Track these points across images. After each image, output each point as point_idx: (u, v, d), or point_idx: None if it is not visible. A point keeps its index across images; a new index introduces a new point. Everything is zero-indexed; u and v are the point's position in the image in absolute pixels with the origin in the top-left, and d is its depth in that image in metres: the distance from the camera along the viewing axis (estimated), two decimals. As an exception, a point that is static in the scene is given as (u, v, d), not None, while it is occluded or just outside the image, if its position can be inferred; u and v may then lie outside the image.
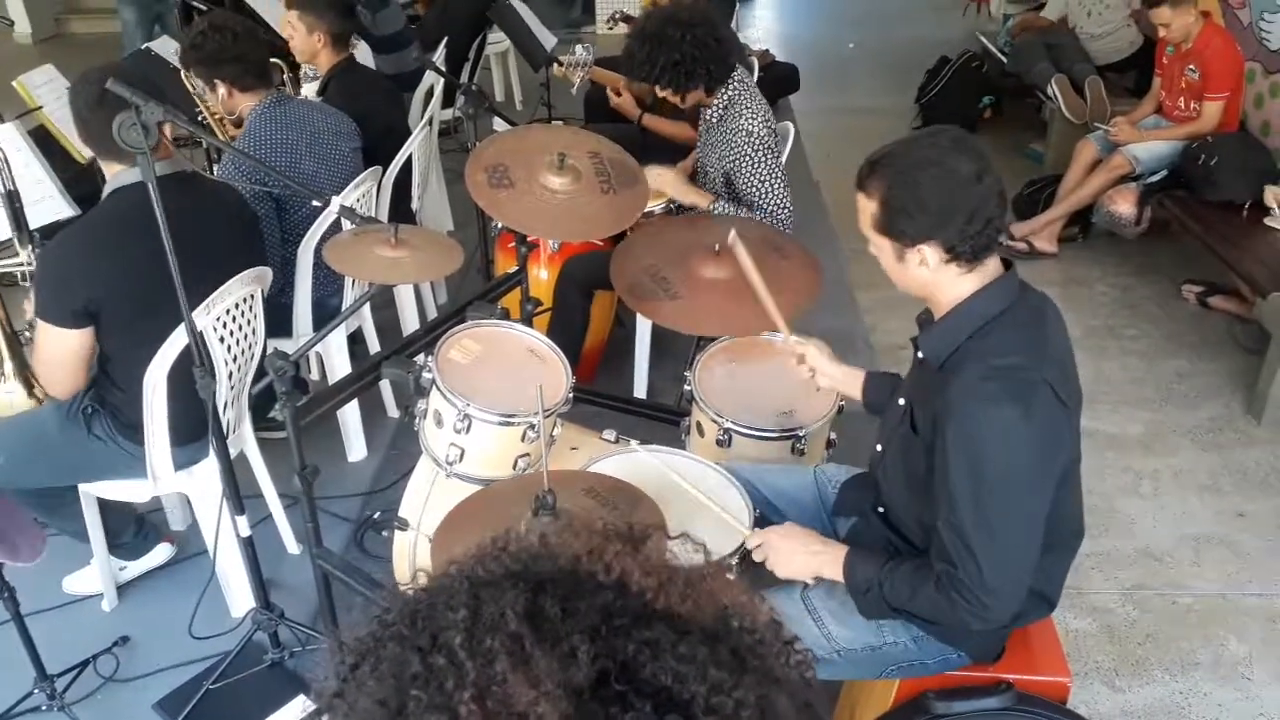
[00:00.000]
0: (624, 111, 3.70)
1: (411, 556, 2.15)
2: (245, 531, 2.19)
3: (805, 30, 8.51)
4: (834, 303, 3.77)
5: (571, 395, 2.09)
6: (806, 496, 1.96)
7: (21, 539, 2.47)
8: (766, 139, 2.78)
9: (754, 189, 2.77)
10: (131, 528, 2.54)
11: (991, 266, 1.53)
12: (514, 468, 2.05)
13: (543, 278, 3.13)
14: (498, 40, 5.65)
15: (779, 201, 2.78)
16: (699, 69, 2.71)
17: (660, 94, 2.85)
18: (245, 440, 2.49)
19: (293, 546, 2.67)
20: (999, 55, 5.62)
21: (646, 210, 2.86)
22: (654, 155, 3.20)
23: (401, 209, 3.35)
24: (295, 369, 1.95)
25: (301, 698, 2.18)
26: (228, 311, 2.20)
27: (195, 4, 4.54)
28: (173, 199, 1.76)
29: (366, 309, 3.12)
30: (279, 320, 2.77)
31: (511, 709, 0.52)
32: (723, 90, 2.82)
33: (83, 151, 2.51)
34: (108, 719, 2.22)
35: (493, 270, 3.36)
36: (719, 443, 2.09)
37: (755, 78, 4.10)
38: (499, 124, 3.87)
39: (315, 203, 2.27)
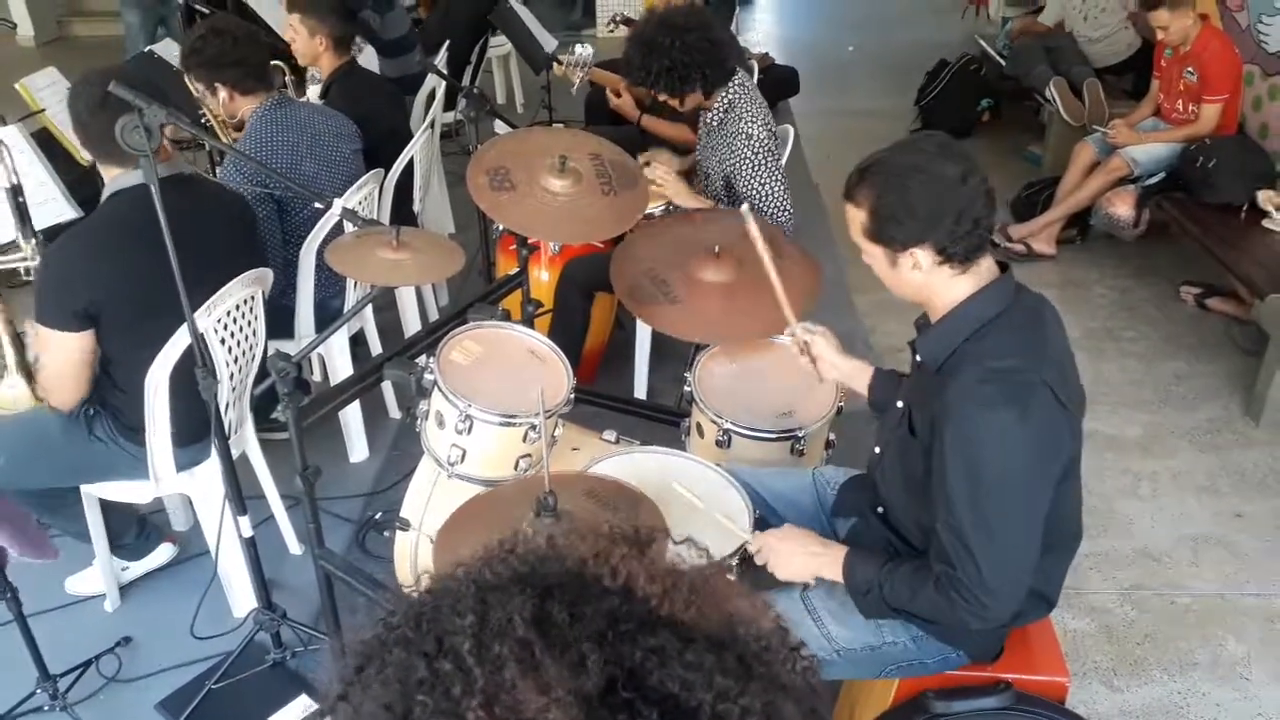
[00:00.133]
0: (623, 113, 3.71)
1: (413, 557, 2.16)
2: (247, 532, 2.20)
3: (805, 33, 8.53)
4: (833, 305, 3.78)
5: (572, 396, 2.10)
6: (805, 498, 1.97)
7: (40, 538, 2.49)
8: (767, 142, 2.79)
9: (754, 192, 2.78)
10: (133, 528, 2.54)
11: (986, 269, 1.54)
12: (515, 468, 2.06)
13: (544, 279, 3.14)
14: (499, 43, 5.67)
15: (779, 204, 2.79)
16: (694, 73, 2.72)
17: (660, 98, 2.87)
18: (247, 441, 2.50)
19: (295, 547, 2.67)
20: (998, 58, 5.64)
21: (647, 212, 2.88)
22: (653, 151, 3.22)
23: (403, 211, 3.36)
24: (297, 370, 1.95)
25: (304, 698, 2.19)
26: (229, 313, 2.21)
27: (198, 6, 4.56)
28: (173, 201, 1.77)
29: (368, 311, 3.13)
30: (281, 322, 2.78)
31: (520, 716, 0.52)
32: (722, 93, 2.83)
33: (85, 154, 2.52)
34: (110, 719, 2.23)
35: (494, 272, 3.38)
36: (718, 443, 2.10)
37: (755, 81, 4.12)
38: (500, 126, 3.88)
39: (317, 205, 2.28)
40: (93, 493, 2.32)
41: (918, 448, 1.57)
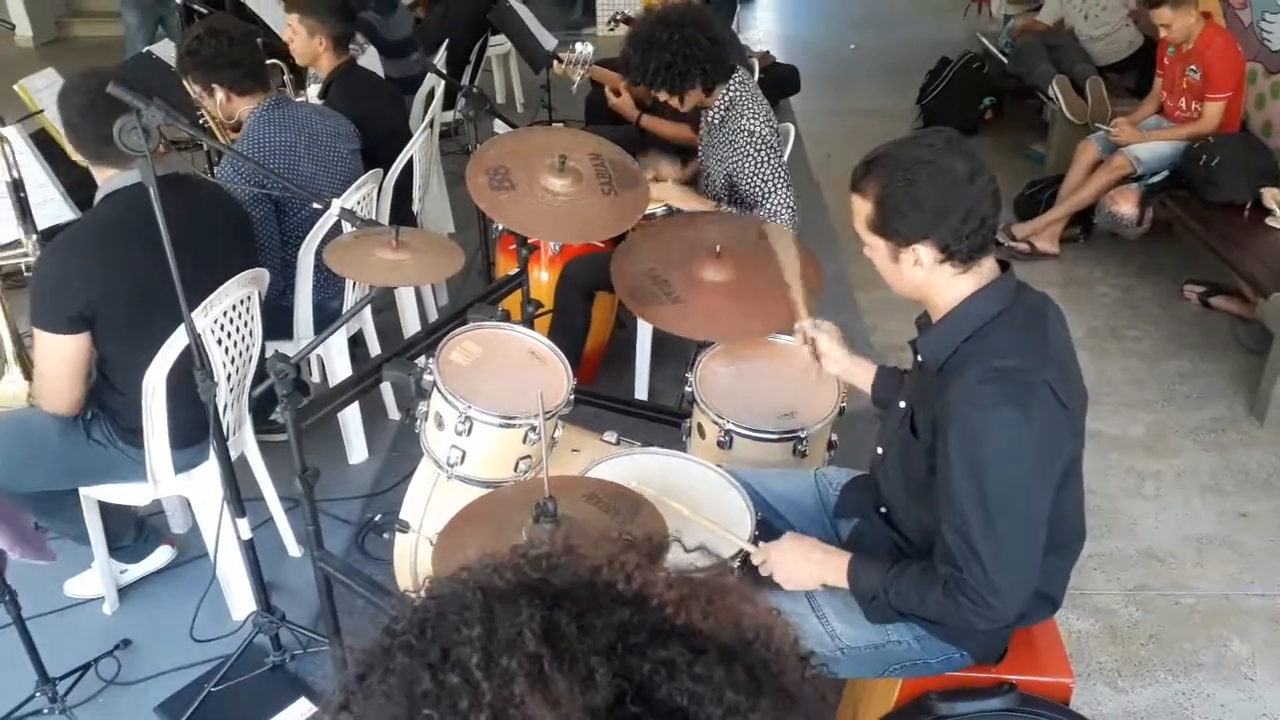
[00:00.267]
0: (622, 112, 3.70)
1: (413, 559, 2.15)
2: (246, 534, 2.19)
3: (806, 32, 8.51)
4: (834, 303, 3.76)
5: (573, 397, 2.08)
6: (807, 500, 1.96)
7: (37, 538, 2.48)
8: (769, 138, 2.78)
9: (757, 189, 2.77)
10: (132, 531, 2.53)
11: (988, 268, 1.53)
12: (515, 470, 2.04)
13: (544, 280, 3.13)
14: (499, 42, 5.66)
15: (782, 201, 2.78)
16: (692, 69, 2.71)
17: (661, 98, 2.85)
18: (246, 443, 2.49)
19: (294, 549, 2.66)
20: (1000, 56, 5.62)
21: (648, 212, 2.86)
22: (654, 155, 3.20)
23: (403, 211, 3.35)
24: (296, 371, 1.94)
25: (303, 701, 2.18)
26: (225, 314, 2.20)
27: (196, 7, 4.55)
28: (168, 201, 1.76)
29: (367, 311, 3.12)
30: (280, 323, 2.77)
31: None
32: (723, 91, 2.82)
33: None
34: (109, 722, 2.22)
35: (494, 272, 3.36)
36: (720, 444, 2.08)
37: (756, 79, 4.11)
38: (499, 126, 3.87)
39: (315, 205, 2.27)
40: (91, 495, 2.31)
41: (919, 448, 1.56)
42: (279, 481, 2.57)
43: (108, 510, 2.38)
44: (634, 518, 1.59)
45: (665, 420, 2.57)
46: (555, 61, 3.99)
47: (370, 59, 3.95)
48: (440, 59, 4.26)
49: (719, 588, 0.61)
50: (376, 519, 2.76)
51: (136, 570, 2.58)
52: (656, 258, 2.37)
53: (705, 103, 2.85)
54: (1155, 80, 4.27)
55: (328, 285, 2.85)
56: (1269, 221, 3.60)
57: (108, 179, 2.10)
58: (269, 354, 2.21)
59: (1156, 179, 4.01)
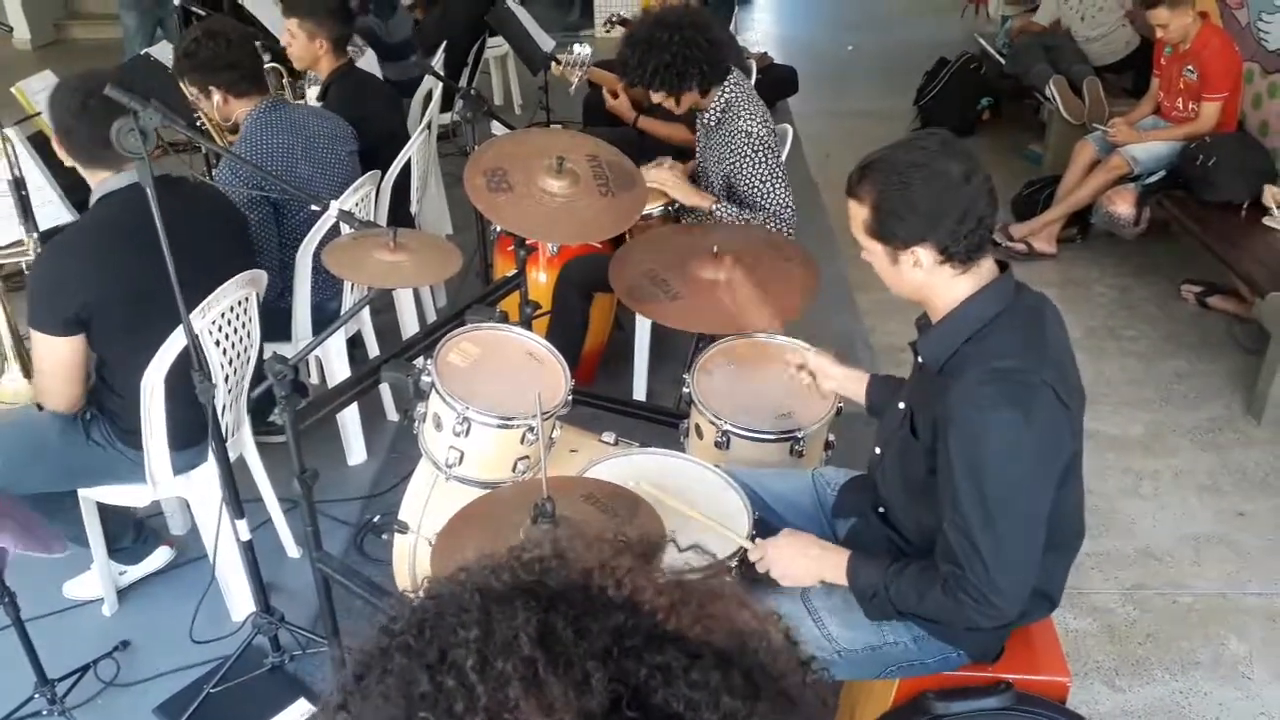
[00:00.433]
0: (620, 114, 3.71)
1: (411, 560, 2.15)
2: (245, 535, 2.19)
3: (804, 33, 8.52)
4: (833, 304, 3.78)
5: (570, 398, 2.09)
6: (805, 500, 1.96)
7: (44, 533, 2.48)
8: (766, 139, 2.79)
9: (755, 190, 2.77)
10: (131, 532, 2.54)
11: (986, 268, 1.53)
12: (513, 470, 2.05)
13: (542, 281, 3.14)
14: (496, 44, 5.66)
15: (781, 202, 2.78)
16: (691, 69, 2.71)
17: (656, 99, 2.86)
18: (244, 444, 2.49)
19: (293, 550, 2.67)
20: (997, 57, 5.63)
21: (645, 212, 2.87)
22: (651, 158, 3.21)
23: (401, 213, 3.36)
24: (295, 373, 1.95)
25: (302, 701, 2.19)
26: (223, 315, 2.20)
27: (194, 9, 4.55)
28: (164, 203, 1.76)
29: (366, 313, 3.13)
30: (278, 325, 2.78)
31: None
32: (719, 93, 2.82)
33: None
34: (108, 724, 2.23)
35: (492, 274, 3.37)
36: (717, 445, 2.09)
37: (754, 80, 4.12)
38: (497, 128, 3.88)
39: (314, 207, 2.27)
40: (90, 496, 2.31)
41: (919, 449, 1.56)
42: (278, 483, 2.57)
43: (107, 512, 2.38)
44: (632, 518, 1.59)
45: (663, 421, 2.58)
46: (553, 63, 4.00)
47: (368, 61, 3.95)
48: (438, 61, 4.26)
49: (712, 592, 0.60)
50: (375, 520, 2.76)
51: (136, 572, 2.58)
52: (654, 259, 2.38)
53: (701, 104, 2.85)
54: (1152, 80, 4.28)
55: (326, 287, 2.86)
56: (1266, 221, 3.61)
57: (101, 181, 2.10)
58: (267, 355, 2.21)
59: (1153, 179, 4.02)
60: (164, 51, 3.69)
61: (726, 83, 2.82)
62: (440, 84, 3.87)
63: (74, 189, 2.88)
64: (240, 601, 2.43)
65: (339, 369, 2.93)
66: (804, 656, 0.61)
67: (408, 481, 2.23)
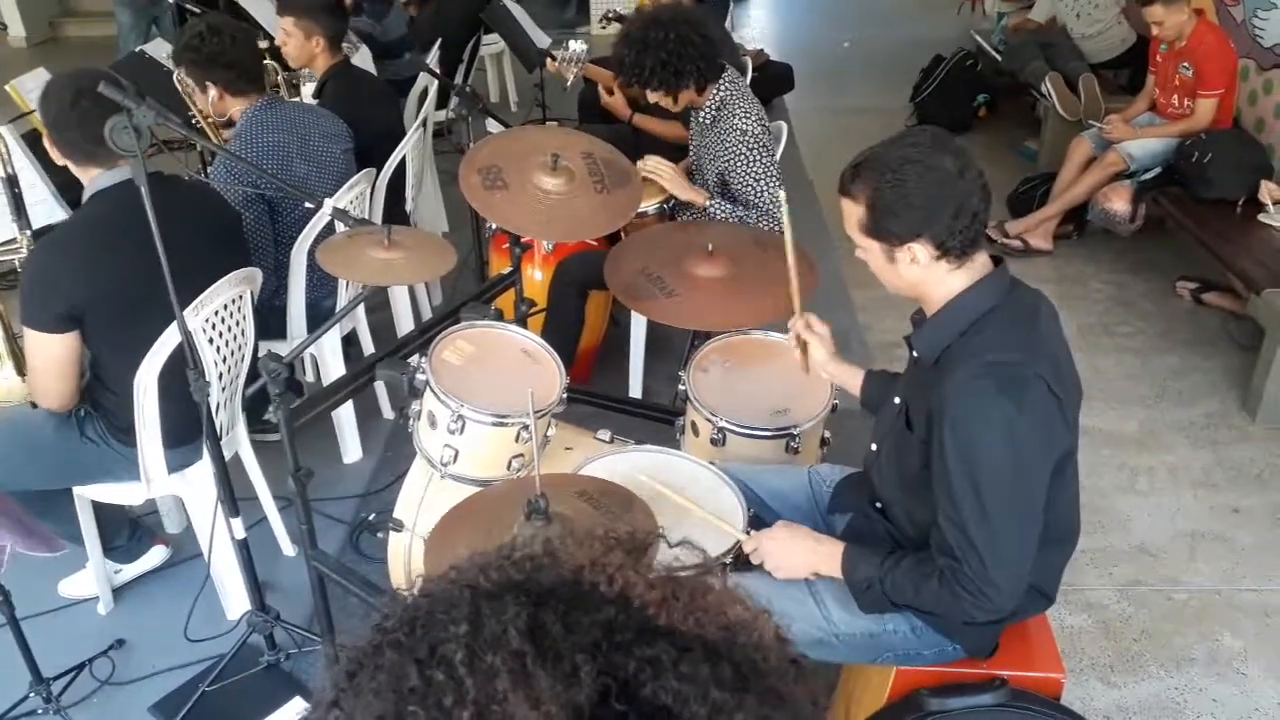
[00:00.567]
0: (615, 111, 3.70)
1: (406, 558, 2.15)
2: (240, 534, 2.19)
3: (800, 30, 8.52)
4: (829, 301, 3.77)
5: (565, 396, 2.09)
6: (800, 496, 1.96)
7: (45, 531, 2.48)
8: (761, 137, 2.79)
9: (749, 188, 2.77)
10: (126, 531, 2.53)
11: (981, 263, 1.54)
12: (508, 468, 2.05)
13: (537, 278, 3.14)
14: (492, 41, 5.65)
15: (775, 199, 2.78)
16: (688, 66, 2.71)
17: (653, 99, 2.85)
18: (239, 442, 2.49)
19: (288, 548, 2.66)
20: (993, 53, 5.63)
21: (641, 210, 2.87)
22: (647, 155, 3.20)
23: (396, 211, 3.35)
24: (289, 371, 1.94)
25: (298, 700, 2.18)
26: (216, 313, 2.20)
27: (189, 6, 4.55)
28: (156, 200, 1.76)
29: (361, 311, 3.12)
30: (273, 323, 2.77)
31: None
32: (714, 91, 2.82)
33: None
34: (103, 722, 2.22)
35: (487, 271, 3.36)
36: (713, 442, 2.09)
37: (749, 78, 4.12)
38: (493, 125, 3.87)
39: (308, 205, 2.26)
40: (85, 494, 2.31)
41: (914, 442, 1.56)
42: (273, 481, 2.57)
43: (101, 510, 2.38)
44: (625, 514, 1.59)
45: (659, 418, 2.57)
46: (548, 60, 3.99)
47: (363, 59, 3.94)
48: (433, 58, 4.26)
49: (703, 587, 0.60)
50: (371, 518, 2.76)
51: (131, 570, 2.58)
52: (649, 257, 2.38)
53: (697, 102, 2.85)
54: (1148, 77, 4.28)
55: (321, 285, 2.85)
56: (1261, 218, 3.62)
57: (93, 179, 2.09)
58: (262, 353, 2.21)
59: (1149, 176, 4.02)
60: (159, 49, 3.68)
61: (722, 80, 2.82)
62: (436, 81, 3.87)
63: (67, 187, 2.87)
64: (235, 600, 2.43)
65: (334, 367, 2.93)
66: (793, 653, 0.61)
67: (403, 479, 2.23)
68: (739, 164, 2.77)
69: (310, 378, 3.28)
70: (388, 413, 3.24)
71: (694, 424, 2.17)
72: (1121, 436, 3.18)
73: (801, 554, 1.66)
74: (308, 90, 3.55)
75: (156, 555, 2.61)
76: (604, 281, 2.37)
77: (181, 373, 1.95)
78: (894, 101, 6.00)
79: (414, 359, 2.10)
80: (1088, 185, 4.17)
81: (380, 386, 3.07)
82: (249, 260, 2.40)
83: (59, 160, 2.12)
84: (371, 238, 2.07)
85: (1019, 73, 5.09)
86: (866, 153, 1.53)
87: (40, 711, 2.17)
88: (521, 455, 2.05)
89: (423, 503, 2.12)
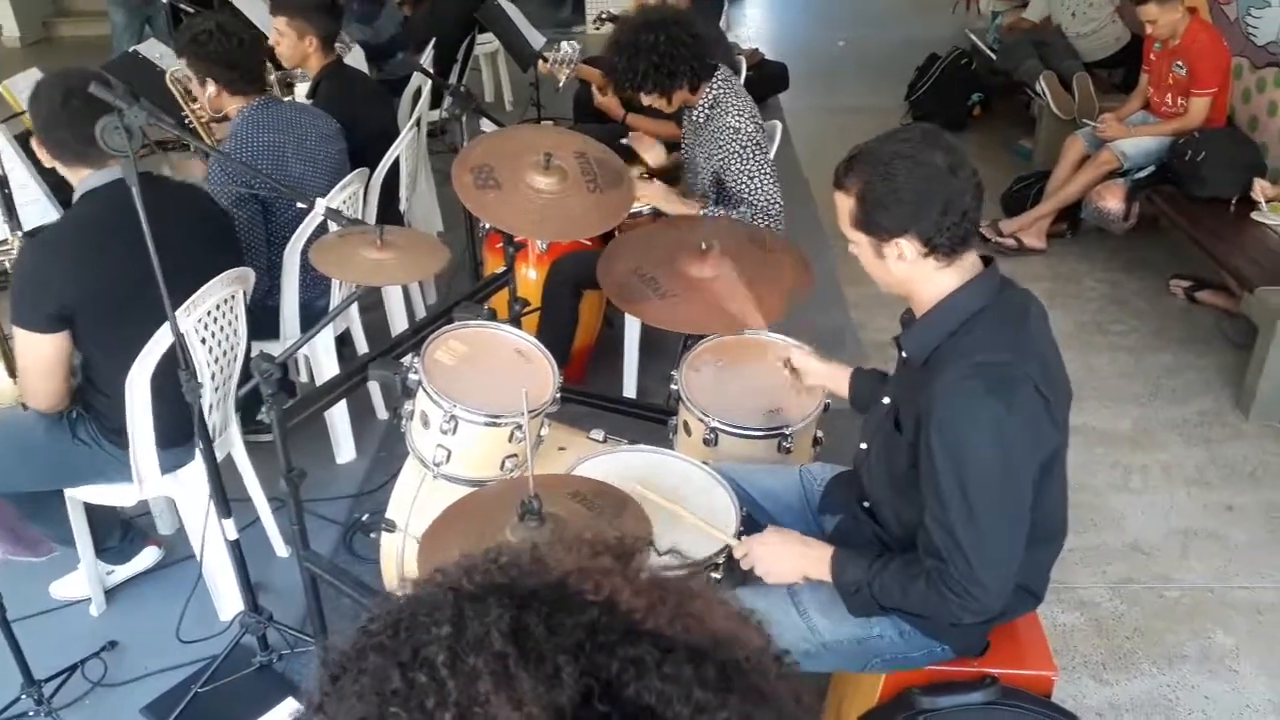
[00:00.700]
0: (608, 111, 3.70)
1: (399, 558, 2.15)
2: (232, 534, 2.18)
3: (795, 29, 8.52)
4: (823, 299, 3.78)
5: (559, 395, 2.09)
6: (792, 495, 1.97)
7: (31, 537, 2.47)
8: (755, 135, 2.79)
9: (744, 186, 2.77)
10: (118, 532, 2.53)
11: (970, 263, 1.54)
12: (501, 468, 2.04)
13: (531, 278, 3.13)
14: (486, 40, 5.65)
15: (770, 197, 2.78)
16: (681, 67, 2.71)
17: (647, 101, 2.85)
18: (232, 443, 2.49)
19: (281, 549, 2.66)
20: (988, 52, 5.64)
21: (634, 210, 2.87)
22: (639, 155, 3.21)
23: (390, 211, 3.35)
24: (282, 371, 1.94)
25: (290, 701, 2.18)
26: (209, 313, 2.19)
27: (183, 6, 4.54)
28: (147, 200, 1.75)
29: (355, 311, 3.12)
30: (267, 323, 2.77)
31: None
32: (707, 89, 2.82)
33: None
34: (96, 724, 2.22)
35: (481, 271, 3.36)
36: (706, 441, 2.09)
37: (744, 76, 4.12)
38: (487, 124, 3.87)
39: (300, 205, 2.26)
40: (77, 496, 2.30)
41: (902, 443, 1.57)
42: (267, 482, 2.56)
43: (93, 511, 2.38)
44: (618, 515, 1.59)
45: (653, 418, 2.57)
46: (540, 61, 3.99)
47: (356, 58, 3.94)
48: (428, 57, 4.25)
49: (688, 591, 0.60)
50: (364, 518, 2.75)
51: (123, 571, 2.58)
52: (643, 256, 2.37)
53: (690, 101, 2.85)
54: (1141, 76, 4.28)
55: (314, 285, 2.85)
56: (1254, 216, 3.62)
57: (83, 179, 2.09)
58: (255, 354, 2.21)
59: (1143, 174, 4.03)
60: (152, 49, 3.67)
61: (715, 79, 2.82)
62: (429, 80, 3.86)
63: (60, 188, 2.85)
64: (228, 601, 2.43)
65: (328, 367, 2.92)
66: (777, 651, 0.61)
67: (397, 480, 2.22)
68: (733, 162, 2.77)
69: (305, 378, 3.28)
70: (382, 413, 3.23)
71: (686, 424, 2.17)
72: (1115, 434, 3.19)
73: (791, 558, 1.66)
74: (300, 90, 3.54)
75: (149, 556, 2.61)
76: (598, 281, 2.37)
77: (174, 373, 1.95)
78: (889, 100, 6.00)
79: (407, 359, 2.10)
80: (1081, 184, 4.17)
81: (374, 386, 3.07)
82: (241, 260, 2.39)
83: (47, 162, 2.11)
84: (364, 238, 2.07)
85: (1013, 71, 5.09)
86: (860, 147, 1.53)
87: (32, 714, 2.17)
88: (514, 455, 2.04)
89: (415, 503, 2.12)
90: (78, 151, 2.03)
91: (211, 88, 2.76)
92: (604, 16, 4.60)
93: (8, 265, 2.47)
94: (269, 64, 3.50)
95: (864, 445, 1.76)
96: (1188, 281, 3.96)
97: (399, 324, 3.35)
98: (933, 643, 1.65)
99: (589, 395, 2.69)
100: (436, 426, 1.98)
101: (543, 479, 1.62)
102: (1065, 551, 1.73)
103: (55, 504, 2.30)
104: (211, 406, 2.25)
